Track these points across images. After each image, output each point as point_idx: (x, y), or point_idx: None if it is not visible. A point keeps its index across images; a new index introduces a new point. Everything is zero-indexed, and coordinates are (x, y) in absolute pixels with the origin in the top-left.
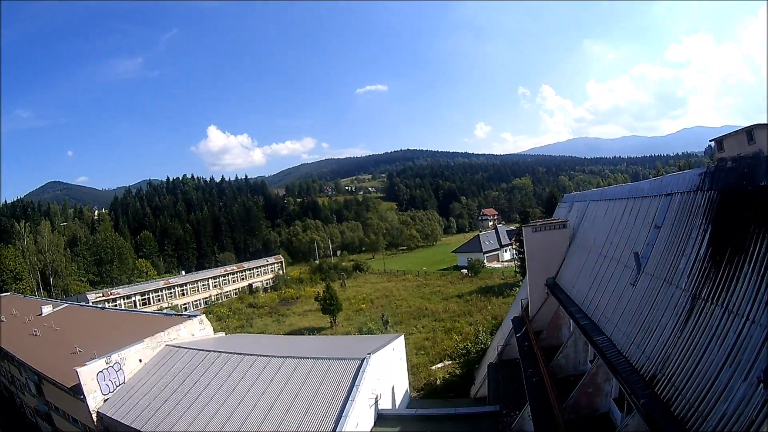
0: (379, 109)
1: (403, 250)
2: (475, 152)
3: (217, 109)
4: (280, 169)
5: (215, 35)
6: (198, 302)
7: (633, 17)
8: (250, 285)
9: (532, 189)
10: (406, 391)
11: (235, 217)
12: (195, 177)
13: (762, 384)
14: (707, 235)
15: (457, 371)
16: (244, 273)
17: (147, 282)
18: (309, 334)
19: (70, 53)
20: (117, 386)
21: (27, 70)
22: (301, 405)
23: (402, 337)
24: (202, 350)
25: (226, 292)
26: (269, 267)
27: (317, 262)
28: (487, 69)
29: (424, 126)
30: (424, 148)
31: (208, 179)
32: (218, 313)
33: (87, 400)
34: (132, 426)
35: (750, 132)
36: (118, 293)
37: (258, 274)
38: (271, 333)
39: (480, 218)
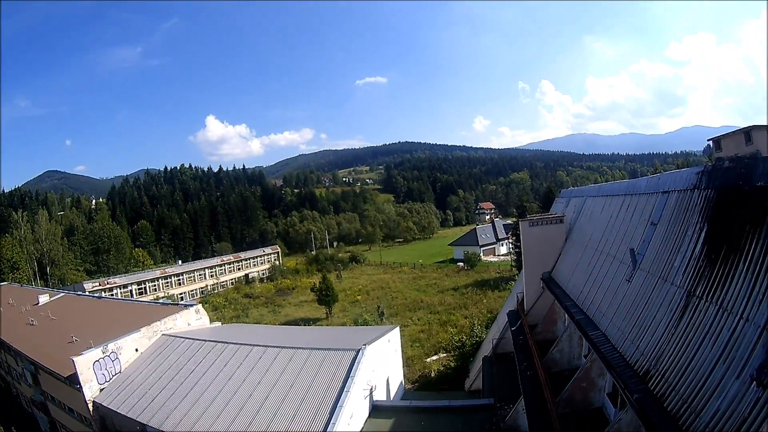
0: (378, 101)
1: (399, 242)
2: (474, 146)
3: (216, 98)
4: (278, 159)
5: (215, 25)
6: (194, 292)
7: (634, 14)
8: (247, 275)
9: (530, 184)
10: (401, 382)
11: (233, 207)
12: (193, 167)
13: (754, 382)
14: (703, 234)
15: (452, 364)
16: (240, 263)
17: (144, 271)
18: (305, 325)
19: (69, 42)
20: (113, 376)
21: (26, 60)
22: (296, 395)
23: (397, 329)
24: (199, 340)
25: (223, 282)
26: (266, 257)
27: (314, 253)
28: (486, 63)
29: (422, 119)
30: (423, 141)
31: (205, 169)
32: (214, 303)
33: (83, 389)
34: (128, 415)
35: (748, 133)
36: (115, 282)
37: (254, 265)
38: (267, 323)
39: (477, 212)
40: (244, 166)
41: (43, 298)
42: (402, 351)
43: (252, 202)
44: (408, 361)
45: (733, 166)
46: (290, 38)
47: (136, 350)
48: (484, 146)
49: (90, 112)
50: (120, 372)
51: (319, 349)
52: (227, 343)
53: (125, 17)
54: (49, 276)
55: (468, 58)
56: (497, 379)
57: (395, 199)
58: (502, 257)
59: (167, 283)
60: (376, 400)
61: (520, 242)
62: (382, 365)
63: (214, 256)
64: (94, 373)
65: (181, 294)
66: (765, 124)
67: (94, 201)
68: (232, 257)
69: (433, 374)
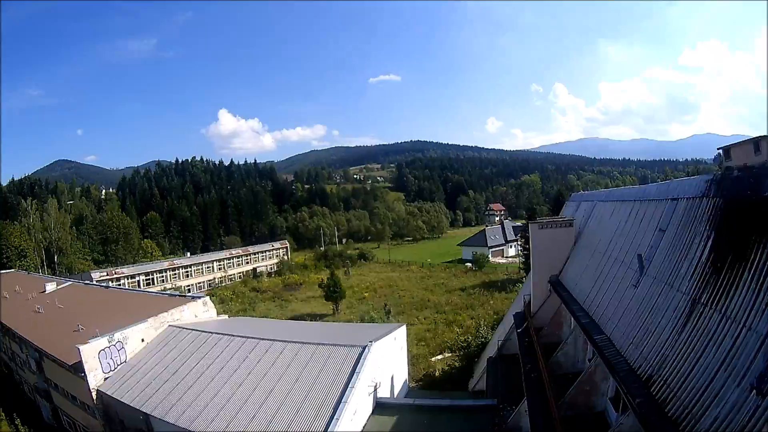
0: (391, 99)
1: (408, 240)
2: (485, 146)
3: (229, 92)
4: (290, 154)
5: (230, 19)
6: (202, 284)
7: (648, 19)
8: (255, 269)
9: (541, 186)
10: (405, 380)
11: (243, 201)
12: (204, 159)
13: (754, 390)
14: (710, 242)
15: (457, 364)
16: (249, 257)
17: (152, 262)
18: (311, 321)
19: (82, 32)
20: (118, 365)
21: (39, 49)
22: (301, 389)
23: (404, 327)
24: (205, 332)
25: (231, 275)
26: (274, 252)
27: (322, 249)
28: (500, 64)
29: (435, 118)
30: (435, 140)
31: (217, 162)
32: (221, 296)
33: (87, 378)
34: (132, 405)
35: (757, 143)
36: (123, 273)
37: (263, 259)
38: (273, 318)
39: (487, 213)
40: (255, 160)
41: (50, 286)
42: (407, 349)
43: (262, 196)
44: (413, 360)
45: (742, 176)
46: (305, 34)
47: (142, 340)
48: (496, 147)
49: (102, 102)
50: (125, 362)
51: (325, 344)
52: (233, 336)
53: (140, 9)
54: (57, 264)
55: (483, 58)
56: (501, 381)
57: (405, 198)
58: (510, 259)
59: (175, 274)
60: (380, 398)
61: (529, 244)
62: (388, 363)
63: (223, 249)
64: (99, 362)
65: (188, 286)
66: None
67: (104, 191)
68: (240, 251)
69: (437, 373)
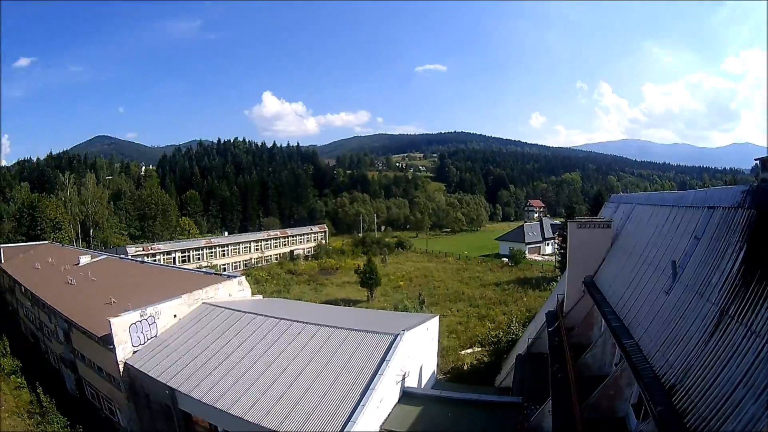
0: (436, 88)
1: (446, 231)
2: (528, 141)
3: (274, 75)
4: (333, 139)
5: (274, 4)
6: (238, 264)
7: (693, 23)
8: (292, 251)
9: (581, 185)
10: (434, 372)
11: (284, 183)
12: (246, 141)
13: None
14: (742, 253)
15: (486, 359)
16: (286, 239)
17: (189, 240)
18: (345, 306)
19: (125, 12)
20: (148, 339)
21: (81, 27)
22: (330, 374)
23: (437, 318)
24: (238, 311)
25: (267, 256)
26: (312, 235)
27: (361, 235)
28: (547, 59)
29: (479, 110)
30: (478, 132)
31: (259, 144)
32: (257, 277)
33: (116, 350)
34: (158, 379)
35: None
36: (159, 249)
37: (300, 242)
38: (307, 301)
39: (526, 209)
40: (298, 143)
41: (84, 259)
42: (438, 341)
43: (303, 179)
44: (443, 352)
45: None
46: (353, 19)
47: (175, 316)
48: (538, 143)
49: (145, 81)
50: (156, 336)
51: (357, 330)
52: (267, 316)
53: None
54: (92, 238)
55: (530, 52)
56: (528, 379)
57: (446, 189)
58: (546, 257)
59: (211, 253)
60: (407, 387)
61: (566, 243)
62: (418, 353)
63: (261, 230)
64: (129, 335)
65: (224, 265)
66: None
67: (143, 168)
68: (279, 233)
69: (465, 367)
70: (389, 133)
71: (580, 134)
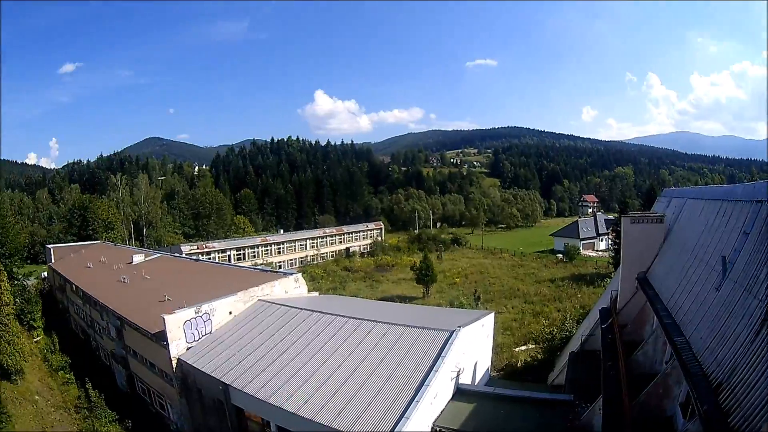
0: (487, 83)
1: (502, 227)
2: (581, 135)
3: (325, 73)
4: (387, 136)
5: (322, 4)
6: (293, 261)
7: (734, 11)
8: (348, 249)
9: (633, 179)
10: (488, 369)
11: (338, 180)
12: (300, 139)
13: None
14: None
15: (539, 356)
16: (342, 236)
17: (244, 238)
18: (401, 303)
19: (170, 16)
20: (203, 336)
21: (127, 31)
22: (385, 369)
23: (492, 315)
24: (294, 307)
25: (323, 253)
26: (368, 233)
27: (416, 231)
28: (595, 51)
29: (531, 104)
30: (531, 127)
31: (313, 142)
32: (312, 274)
33: (170, 346)
34: (212, 375)
35: None
36: (213, 247)
37: (356, 239)
38: (363, 297)
39: (580, 204)
40: (352, 141)
41: (138, 258)
42: (493, 338)
43: (358, 177)
44: (497, 349)
45: None
46: (402, 16)
47: (230, 313)
48: (590, 137)
49: (195, 82)
50: (210, 333)
51: (413, 326)
52: (323, 313)
53: None
54: (145, 237)
55: (578, 44)
56: (580, 376)
57: (501, 184)
58: (600, 253)
59: (267, 250)
60: (461, 384)
61: (619, 239)
62: (473, 349)
63: (317, 227)
64: (184, 332)
65: (279, 262)
66: None
67: (197, 168)
68: (335, 230)
69: (519, 364)
70: (443, 129)
71: (630, 127)
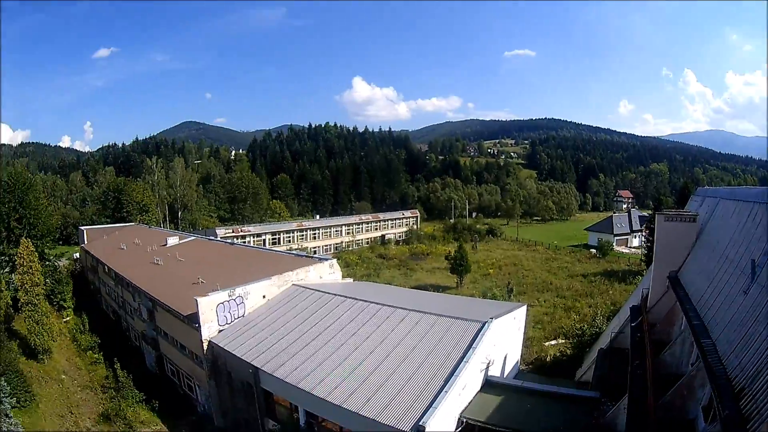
0: (525, 74)
1: (537, 220)
2: (618, 130)
3: (364, 60)
4: (425, 125)
5: None
6: (328, 247)
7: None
8: (383, 236)
9: (668, 176)
10: (517, 362)
11: (376, 167)
12: (338, 125)
13: None
14: None
15: (568, 351)
16: (378, 224)
17: (279, 222)
18: (434, 292)
19: (209, 1)
20: (235, 319)
21: (164, 16)
22: (416, 358)
23: (525, 308)
24: (328, 293)
25: (358, 240)
26: (404, 220)
27: (452, 221)
28: (632, 44)
29: (569, 96)
30: (568, 119)
31: (351, 129)
32: (347, 260)
33: (201, 329)
34: (243, 358)
35: None
36: (249, 231)
37: (392, 227)
38: (397, 285)
39: (615, 199)
40: (390, 128)
41: (172, 240)
42: (524, 331)
43: (395, 164)
44: (527, 342)
45: None
46: (441, 4)
47: (264, 297)
48: (627, 131)
49: (232, 68)
50: (243, 316)
51: (446, 316)
52: (356, 299)
53: None
54: (180, 220)
55: (615, 37)
56: (607, 374)
57: (537, 176)
58: (633, 249)
59: (302, 236)
60: (490, 376)
61: (653, 236)
62: (503, 342)
63: (353, 214)
64: (216, 315)
65: (315, 248)
66: None
67: (233, 152)
68: (371, 217)
69: (548, 358)
70: (480, 118)
71: (666, 123)
